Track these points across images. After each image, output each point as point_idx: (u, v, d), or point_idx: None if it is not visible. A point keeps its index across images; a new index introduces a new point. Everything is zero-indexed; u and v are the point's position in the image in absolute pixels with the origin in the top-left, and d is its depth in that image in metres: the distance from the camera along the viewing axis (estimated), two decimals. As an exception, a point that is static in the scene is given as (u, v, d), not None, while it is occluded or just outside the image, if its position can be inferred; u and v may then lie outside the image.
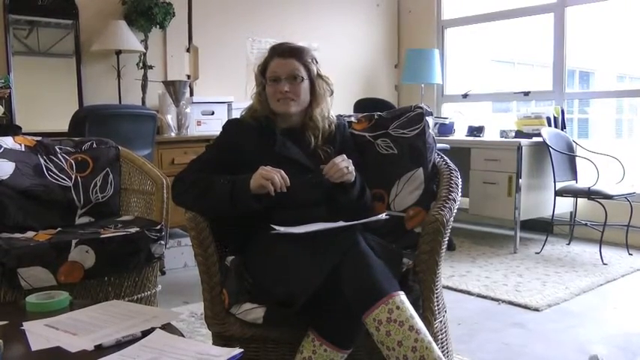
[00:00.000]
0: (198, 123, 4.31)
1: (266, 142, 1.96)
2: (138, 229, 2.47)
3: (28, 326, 1.55)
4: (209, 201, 1.86)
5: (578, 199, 4.43)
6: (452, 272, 3.74)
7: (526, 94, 5.21)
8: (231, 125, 2.07)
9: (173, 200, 1.98)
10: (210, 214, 1.90)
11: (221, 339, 1.84)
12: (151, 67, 4.25)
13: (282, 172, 1.81)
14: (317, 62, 2.04)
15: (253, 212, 1.85)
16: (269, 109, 2.01)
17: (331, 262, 1.64)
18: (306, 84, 1.98)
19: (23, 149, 2.67)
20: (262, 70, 2.02)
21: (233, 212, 1.87)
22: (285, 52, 1.99)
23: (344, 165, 1.86)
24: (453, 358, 2.06)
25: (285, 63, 1.97)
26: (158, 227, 2.52)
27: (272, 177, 1.78)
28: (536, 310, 3.06)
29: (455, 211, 1.90)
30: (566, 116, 4.71)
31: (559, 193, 4.22)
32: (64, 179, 2.70)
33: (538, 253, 4.23)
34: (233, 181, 1.84)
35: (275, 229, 1.75)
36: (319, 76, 2.03)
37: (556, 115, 4.61)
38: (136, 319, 1.59)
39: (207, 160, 1.99)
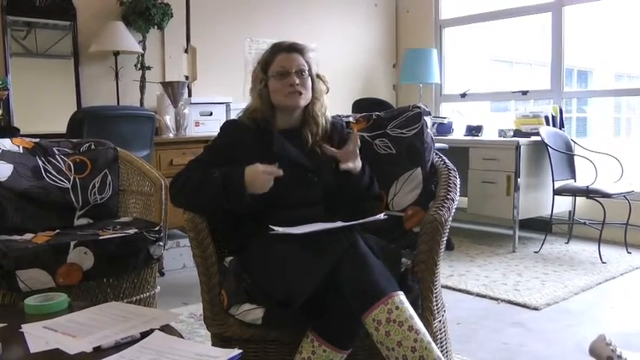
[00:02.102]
0: (197, 124, 4.31)
1: (264, 143, 1.96)
2: (136, 230, 2.47)
3: (26, 328, 1.55)
4: (204, 196, 1.86)
5: (577, 197, 4.44)
6: (451, 272, 3.74)
7: (524, 93, 5.22)
8: (229, 126, 2.07)
9: (171, 202, 1.98)
10: (207, 211, 1.90)
11: (220, 340, 1.84)
12: (149, 68, 4.25)
13: (274, 170, 1.81)
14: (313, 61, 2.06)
15: (246, 207, 1.84)
16: (270, 107, 2.01)
17: (330, 263, 1.64)
18: (309, 80, 2.01)
19: (21, 151, 2.67)
20: (264, 67, 2.02)
21: (227, 206, 1.86)
22: (291, 47, 2.01)
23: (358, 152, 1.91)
24: (452, 357, 2.06)
25: (292, 57, 1.99)
26: (157, 228, 2.52)
27: (268, 186, 1.81)
28: (536, 309, 3.06)
29: (453, 210, 1.90)
30: (564, 115, 4.72)
31: (558, 192, 4.22)
32: (63, 181, 2.69)
33: (537, 252, 4.23)
34: (225, 174, 1.83)
35: (273, 230, 1.75)
36: (317, 75, 2.05)
37: (554, 114, 4.62)
38: (135, 321, 1.59)
39: (205, 161, 1.99)
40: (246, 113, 2.05)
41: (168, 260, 3.76)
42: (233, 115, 4.31)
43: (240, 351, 1.38)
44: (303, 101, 1.99)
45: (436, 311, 1.85)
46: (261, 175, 1.81)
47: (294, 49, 2.01)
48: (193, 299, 3.04)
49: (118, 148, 2.90)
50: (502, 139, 4.57)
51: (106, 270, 2.37)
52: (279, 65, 1.98)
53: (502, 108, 6.58)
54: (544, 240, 4.33)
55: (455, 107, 5.69)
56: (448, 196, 1.94)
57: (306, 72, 1.99)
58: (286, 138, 1.99)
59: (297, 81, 1.96)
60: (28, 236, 2.40)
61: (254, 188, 1.81)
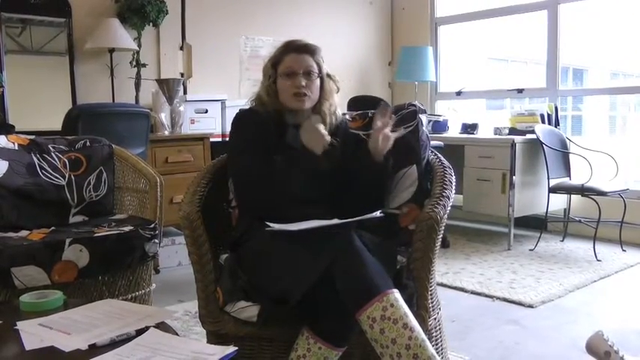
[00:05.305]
0: (192, 121, 4.30)
1: (276, 134, 1.96)
2: (132, 227, 2.47)
3: (22, 326, 1.55)
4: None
5: (572, 195, 4.45)
6: (446, 269, 3.74)
7: (520, 91, 5.22)
8: (247, 117, 2.04)
9: (253, 212, 1.95)
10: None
11: (215, 337, 1.84)
12: (144, 66, 4.24)
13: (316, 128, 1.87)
14: (324, 61, 2.07)
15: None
16: (278, 103, 2.01)
17: (325, 260, 1.64)
18: (317, 81, 2.02)
19: (16, 148, 2.66)
20: (274, 64, 2.02)
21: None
22: (301, 48, 2.02)
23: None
24: (447, 355, 2.07)
25: (301, 58, 2.00)
26: (152, 226, 2.52)
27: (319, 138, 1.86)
28: (530, 306, 3.07)
29: (449, 208, 1.90)
30: (559, 113, 4.72)
31: (553, 189, 4.23)
32: (58, 178, 2.69)
33: (532, 249, 4.24)
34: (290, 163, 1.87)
35: (269, 227, 1.75)
36: (328, 74, 2.07)
37: (550, 112, 4.63)
38: (130, 318, 1.59)
39: (254, 152, 1.95)
40: (258, 103, 2.05)
41: (163, 258, 3.76)
42: (229, 113, 4.33)
43: (236, 348, 1.38)
44: (308, 103, 2.01)
45: (431, 309, 1.85)
46: (316, 136, 1.85)
47: (305, 49, 2.02)
48: (189, 297, 3.05)
49: (113, 146, 2.89)
50: (497, 137, 4.57)
51: (101, 267, 2.36)
52: (288, 65, 1.99)
53: (497, 106, 6.60)
54: (539, 238, 4.34)
55: (450, 105, 5.69)
56: (443, 194, 1.94)
57: (315, 73, 2.01)
58: (297, 130, 1.99)
59: (304, 82, 1.97)
60: (24, 233, 2.40)
61: (317, 148, 1.86)
